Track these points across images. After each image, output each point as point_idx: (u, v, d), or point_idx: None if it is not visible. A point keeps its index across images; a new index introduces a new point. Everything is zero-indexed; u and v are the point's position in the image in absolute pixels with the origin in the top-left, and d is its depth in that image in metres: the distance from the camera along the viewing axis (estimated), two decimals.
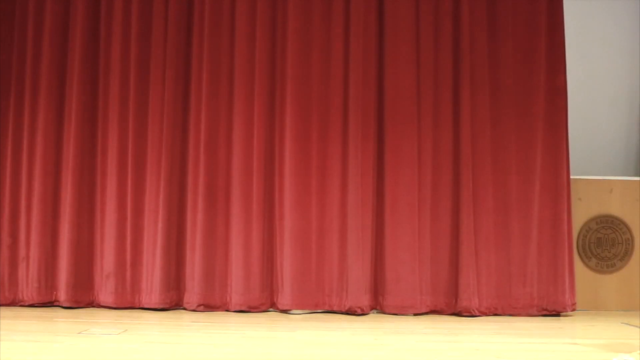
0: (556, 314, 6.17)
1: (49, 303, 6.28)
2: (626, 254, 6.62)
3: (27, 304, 6.29)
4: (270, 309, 6.26)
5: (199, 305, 6.19)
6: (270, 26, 6.38)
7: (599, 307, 6.50)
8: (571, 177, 6.36)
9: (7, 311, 6.09)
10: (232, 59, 6.39)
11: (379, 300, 6.23)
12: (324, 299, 6.21)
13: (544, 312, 6.17)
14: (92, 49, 6.46)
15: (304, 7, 6.36)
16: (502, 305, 6.18)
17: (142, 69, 6.39)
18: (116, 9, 6.43)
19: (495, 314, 6.14)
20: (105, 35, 6.45)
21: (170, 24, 6.39)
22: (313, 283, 6.20)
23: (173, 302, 6.26)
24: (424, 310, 6.16)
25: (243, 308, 6.16)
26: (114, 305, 6.22)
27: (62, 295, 6.24)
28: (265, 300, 6.24)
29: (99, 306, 6.25)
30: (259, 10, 6.37)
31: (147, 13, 6.43)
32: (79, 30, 6.42)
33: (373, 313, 6.23)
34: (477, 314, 6.10)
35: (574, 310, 6.21)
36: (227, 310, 6.20)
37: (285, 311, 6.19)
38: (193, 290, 6.22)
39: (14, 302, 6.31)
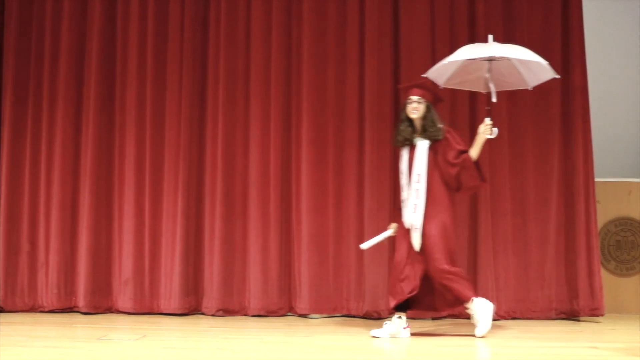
0: (575, 317, 6.13)
1: (68, 309, 6.32)
2: None
3: (46, 310, 6.33)
4: (289, 314, 6.27)
5: (217, 310, 6.20)
6: (286, 33, 6.41)
7: (618, 311, 6.44)
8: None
9: (26, 317, 6.15)
10: (247, 65, 6.42)
11: None
12: (342, 303, 6.21)
13: (562, 316, 6.15)
14: (109, 56, 6.50)
15: (318, 13, 6.37)
16: (521, 309, 6.16)
17: (158, 76, 6.42)
18: (132, 17, 6.47)
19: (514, 318, 6.13)
20: (122, 43, 6.49)
21: (186, 31, 6.42)
22: (331, 287, 6.20)
23: (192, 307, 6.28)
24: (442, 314, 6.13)
25: (261, 313, 6.18)
26: (133, 311, 6.25)
27: (81, 301, 6.27)
28: (283, 304, 6.25)
29: (118, 312, 6.28)
30: (274, 17, 6.39)
31: (163, 21, 6.47)
32: (96, 38, 6.47)
33: (391, 317, 6.20)
34: (495, 317, 6.06)
35: (598, 315, 6.14)
36: (246, 315, 6.22)
37: (303, 315, 6.20)
38: (211, 295, 6.24)
39: (33, 308, 6.35)
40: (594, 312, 6.13)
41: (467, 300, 5.20)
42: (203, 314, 6.26)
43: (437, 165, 5.21)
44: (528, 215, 6.23)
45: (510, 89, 5.56)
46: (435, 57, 6.29)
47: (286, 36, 6.41)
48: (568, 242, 6.20)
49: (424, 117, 5.25)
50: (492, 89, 5.21)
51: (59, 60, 6.50)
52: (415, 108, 5.23)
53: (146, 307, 6.28)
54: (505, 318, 6.11)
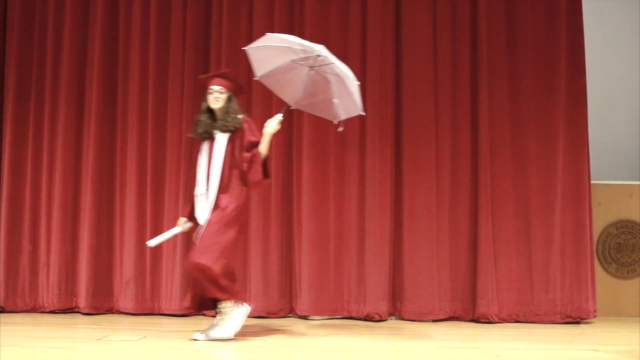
0: (578, 320, 6.12)
1: (69, 309, 6.32)
2: None
3: (47, 310, 6.33)
4: (289, 315, 6.27)
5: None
6: (288, 30, 6.38)
7: (619, 313, 6.45)
8: (591, 182, 6.31)
9: (27, 317, 6.15)
10: (249, 65, 6.38)
11: (397, 307, 6.22)
12: (343, 305, 6.20)
13: (568, 319, 6.12)
14: (111, 55, 6.51)
15: (321, 13, 6.38)
16: (524, 312, 6.14)
17: (160, 76, 6.43)
18: (134, 17, 6.48)
19: (517, 321, 6.10)
20: (124, 42, 6.49)
21: (188, 32, 6.42)
22: (331, 289, 6.20)
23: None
24: (442, 317, 6.15)
25: (262, 314, 6.17)
26: (134, 312, 6.25)
27: (82, 301, 6.28)
28: (283, 306, 6.25)
29: (119, 312, 6.28)
30: (276, 18, 6.39)
31: (165, 20, 6.47)
32: (98, 37, 6.48)
33: (391, 319, 6.21)
34: (496, 320, 6.07)
35: (594, 316, 6.16)
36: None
37: (303, 317, 6.20)
38: None
39: (34, 309, 6.35)
40: (595, 313, 6.15)
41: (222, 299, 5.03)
42: (204, 315, 6.25)
43: (234, 159, 5.09)
44: (531, 218, 6.21)
45: (312, 112, 5.47)
46: (437, 57, 6.32)
47: None
48: (573, 244, 6.19)
49: (225, 108, 5.13)
50: (298, 94, 5.16)
51: (61, 60, 6.51)
52: (217, 98, 5.09)
53: (147, 307, 6.28)
54: (507, 321, 6.09)
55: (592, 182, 6.32)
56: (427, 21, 6.35)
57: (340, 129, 5.29)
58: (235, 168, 5.08)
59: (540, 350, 4.91)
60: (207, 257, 4.87)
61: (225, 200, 5.01)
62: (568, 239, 6.20)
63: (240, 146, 5.08)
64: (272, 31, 6.32)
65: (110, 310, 6.33)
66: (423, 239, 6.19)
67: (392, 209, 6.24)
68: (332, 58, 5.01)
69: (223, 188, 5.03)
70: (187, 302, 5.25)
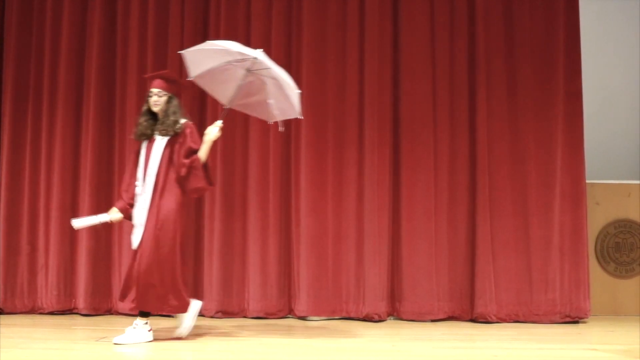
0: (577, 320, 6.12)
1: (67, 311, 6.32)
2: None
3: (46, 311, 6.33)
4: (288, 316, 6.27)
5: (217, 312, 6.21)
6: (285, 34, 6.40)
7: (617, 312, 6.45)
8: (589, 181, 6.33)
9: (26, 319, 6.15)
10: None
11: (395, 307, 6.22)
12: (341, 306, 6.20)
13: (567, 319, 6.11)
14: (109, 54, 6.50)
15: (318, 15, 6.37)
16: (524, 312, 6.13)
17: None
18: (132, 15, 6.46)
19: (516, 321, 6.09)
20: (122, 41, 6.48)
21: (186, 31, 6.41)
22: (330, 290, 6.20)
23: None
24: (441, 317, 6.15)
25: (260, 314, 6.18)
26: (136, 313, 6.23)
27: (80, 302, 6.28)
28: (282, 306, 6.24)
29: (118, 314, 6.27)
30: (274, 19, 6.38)
31: (163, 20, 6.46)
32: (96, 36, 6.47)
33: (390, 319, 6.22)
34: (495, 320, 6.07)
35: (588, 316, 6.15)
36: (245, 317, 6.21)
37: (302, 318, 6.19)
38: (211, 297, 6.24)
39: (33, 310, 6.35)
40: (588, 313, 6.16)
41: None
42: (203, 315, 6.24)
43: (172, 163, 5.05)
44: (530, 218, 6.20)
45: (246, 112, 5.47)
46: (435, 57, 6.31)
47: (286, 37, 6.41)
48: (571, 244, 6.18)
49: (164, 110, 5.06)
50: (232, 93, 5.13)
51: (59, 60, 6.50)
52: (156, 102, 5.06)
53: None
54: (506, 321, 6.08)
55: (590, 181, 6.33)
56: (425, 21, 6.34)
57: (281, 129, 5.34)
58: (173, 172, 5.04)
59: (539, 350, 4.91)
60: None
61: (164, 206, 4.96)
62: (567, 239, 6.19)
63: (179, 151, 5.04)
64: (270, 31, 6.37)
65: (109, 311, 6.32)
66: (422, 238, 6.19)
67: (390, 209, 6.23)
68: (270, 63, 5.00)
69: (162, 193, 4.99)
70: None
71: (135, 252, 4.99)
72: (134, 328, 4.99)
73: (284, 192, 6.31)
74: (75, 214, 6.35)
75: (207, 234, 6.31)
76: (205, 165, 5.05)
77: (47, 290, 6.35)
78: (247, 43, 6.35)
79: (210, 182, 5.11)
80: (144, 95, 6.29)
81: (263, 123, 6.25)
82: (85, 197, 6.35)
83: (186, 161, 5.00)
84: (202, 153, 5.02)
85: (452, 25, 6.36)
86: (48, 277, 6.36)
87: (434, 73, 6.32)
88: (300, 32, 6.39)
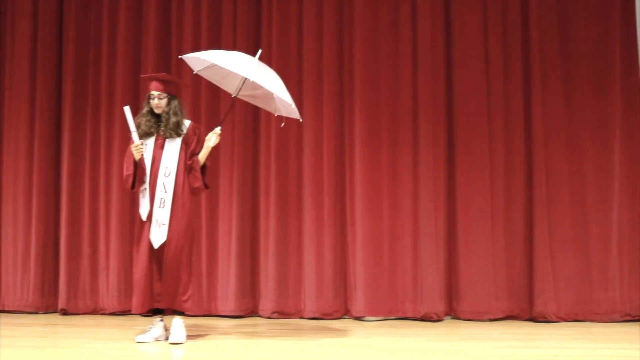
0: (638, 318, 5.99)
1: (127, 311, 6.41)
2: None
3: (107, 312, 6.47)
4: (344, 316, 6.27)
5: (273, 312, 6.25)
6: (337, 31, 6.42)
7: None
8: None
9: (88, 319, 6.29)
10: (300, 67, 6.44)
11: (453, 306, 6.19)
12: (398, 306, 6.19)
13: (627, 318, 6.00)
14: (164, 61, 6.61)
15: (370, 13, 6.37)
16: (583, 311, 6.04)
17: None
18: (186, 24, 6.57)
19: (576, 320, 6.01)
20: (177, 44, 6.58)
21: (238, 38, 6.47)
22: (386, 289, 6.19)
23: (248, 309, 6.34)
24: (499, 316, 6.09)
25: (316, 315, 6.20)
26: (191, 313, 6.25)
27: None
28: (338, 307, 6.25)
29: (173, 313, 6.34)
30: (325, 15, 6.40)
31: (216, 30, 6.54)
32: (151, 43, 6.61)
33: (447, 319, 6.18)
34: (554, 319, 5.98)
35: None
36: (301, 317, 6.24)
37: (358, 318, 6.19)
38: (267, 297, 6.29)
39: (94, 311, 6.50)
40: None
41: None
42: (259, 316, 6.31)
43: (185, 164, 5.13)
44: (588, 215, 6.12)
45: (253, 102, 5.43)
46: (489, 53, 6.26)
47: (338, 35, 6.43)
48: (631, 241, 6.07)
49: (167, 112, 5.13)
50: (237, 85, 5.15)
51: (116, 68, 6.65)
52: (157, 104, 5.12)
53: (204, 309, 6.35)
54: (565, 320, 6.00)
55: None
56: (478, 15, 6.31)
57: (282, 124, 5.37)
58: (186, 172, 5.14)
59: (600, 349, 4.83)
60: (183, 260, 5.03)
61: (183, 204, 5.05)
62: (626, 236, 6.08)
63: (186, 152, 5.14)
64: (322, 33, 6.38)
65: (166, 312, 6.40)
66: (478, 237, 6.14)
67: (446, 208, 6.20)
68: (263, 79, 4.96)
69: (180, 191, 5.07)
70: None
71: (156, 251, 5.02)
72: (178, 325, 5.07)
73: (339, 192, 6.32)
74: (134, 218, 6.42)
75: (262, 234, 6.37)
76: (203, 167, 5.15)
77: (108, 291, 6.48)
78: (299, 43, 6.44)
79: (205, 185, 5.19)
80: (196, 102, 6.46)
81: (316, 122, 6.34)
82: None
83: (189, 162, 5.12)
84: (202, 156, 5.14)
85: (505, 19, 6.30)
86: (109, 279, 6.49)
87: (488, 72, 6.27)
88: (352, 31, 6.40)
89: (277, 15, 6.47)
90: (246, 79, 5.00)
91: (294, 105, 5.07)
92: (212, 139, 5.11)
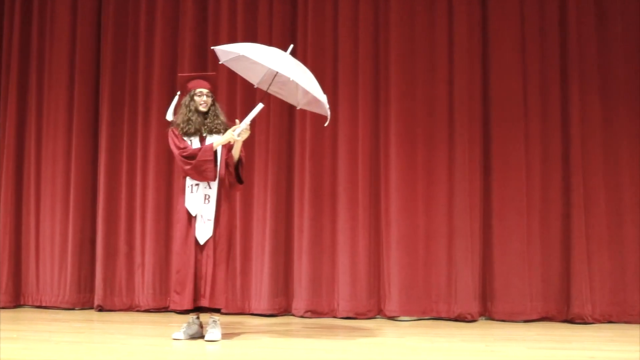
0: None
1: (163, 308, 6.49)
2: None
3: (142, 309, 6.54)
4: (377, 316, 6.26)
5: (306, 312, 6.26)
6: (373, 30, 6.41)
7: None
8: None
9: (124, 316, 6.37)
10: (335, 68, 6.45)
11: (487, 307, 6.16)
12: (432, 306, 6.17)
13: None
14: (201, 59, 6.64)
15: (406, 13, 6.36)
16: (617, 312, 5.99)
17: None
18: (222, 26, 6.63)
19: (610, 321, 5.96)
20: (213, 43, 6.58)
21: (274, 39, 6.46)
22: (420, 289, 6.17)
23: (282, 308, 6.36)
24: (534, 317, 6.05)
25: (350, 314, 6.19)
26: (225, 311, 6.29)
27: None
28: (372, 307, 6.24)
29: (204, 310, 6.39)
30: (361, 13, 6.40)
31: (252, 30, 6.56)
32: (188, 40, 6.67)
33: (481, 320, 6.15)
34: (590, 321, 5.93)
35: None
36: (335, 317, 6.24)
37: (392, 318, 6.18)
38: (301, 296, 6.30)
39: (130, 308, 6.58)
40: None
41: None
42: (293, 315, 6.32)
43: (224, 159, 5.17)
44: (624, 216, 6.06)
45: (278, 96, 5.39)
46: (526, 52, 6.22)
47: (374, 34, 6.42)
48: None
49: (213, 110, 5.21)
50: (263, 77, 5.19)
51: (153, 69, 6.72)
52: (205, 102, 5.17)
53: (237, 307, 6.39)
54: (600, 321, 5.96)
55: None
56: (515, 15, 6.27)
57: (326, 123, 5.20)
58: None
59: (637, 352, 4.77)
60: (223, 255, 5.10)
61: (226, 200, 5.13)
62: None
63: (224, 149, 5.18)
64: (357, 33, 6.38)
65: (201, 309, 6.43)
66: (513, 238, 6.11)
67: (481, 208, 6.18)
68: (293, 72, 4.91)
69: (224, 187, 5.13)
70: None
71: (202, 247, 5.05)
72: (214, 323, 5.11)
73: (373, 191, 6.32)
74: (170, 215, 6.50)
75: (296, 233, 6.39)
76: (238, 163, 5.19)
77: (144, 288, 6.55)
78: (335, 44, 6.44)
79: (240, 180, 5.24)
80: (232, 100, 6.48)
81: (351, 122, 6.34)
82: (179, 198, 6.47)
83: (226, 158, 5.18)
84: (235, 151, 5.17)
85: (543, 19, 6.26)
86: (144, 276, 6.56)
87: (525, 71, 6.24)
88: (387, 31, 6.40)
89: (313, 15, 6.49)
90: (277, 72, 5.01)
91: (325, 101, 5.03)
92: (242, 134, 5.10)
